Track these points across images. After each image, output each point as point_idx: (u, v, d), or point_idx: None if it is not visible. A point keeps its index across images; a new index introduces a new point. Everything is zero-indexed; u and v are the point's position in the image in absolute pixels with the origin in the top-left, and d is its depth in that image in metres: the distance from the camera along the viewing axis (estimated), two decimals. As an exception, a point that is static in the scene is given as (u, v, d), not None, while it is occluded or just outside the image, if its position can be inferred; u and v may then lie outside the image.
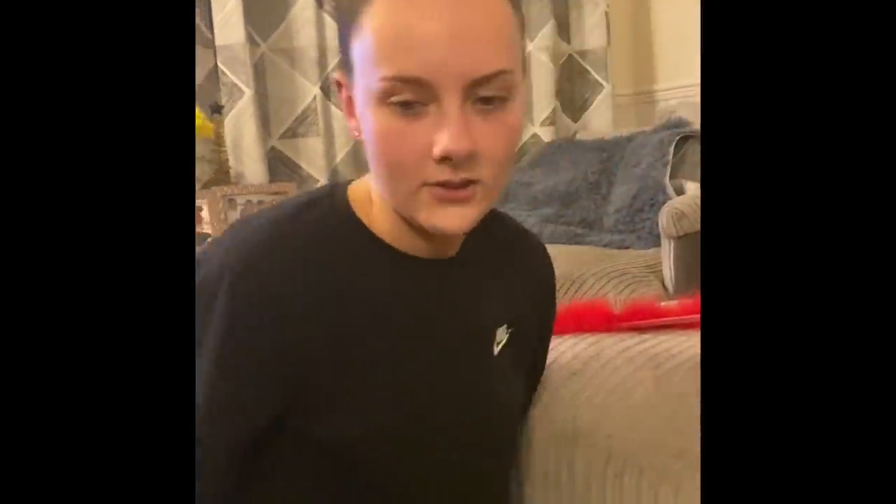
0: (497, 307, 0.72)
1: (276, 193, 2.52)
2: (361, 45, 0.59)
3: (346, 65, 0.63)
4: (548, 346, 0.86)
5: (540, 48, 2.89)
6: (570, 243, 2.07)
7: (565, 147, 2.59)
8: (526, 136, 3.03)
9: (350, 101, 0.64)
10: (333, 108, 2.75)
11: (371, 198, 0.66)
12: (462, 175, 0.58)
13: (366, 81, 0.59)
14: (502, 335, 0.72)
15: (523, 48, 0.63)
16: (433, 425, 0.68)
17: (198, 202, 2.21)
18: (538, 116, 2.97)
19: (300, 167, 2.76)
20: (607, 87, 2.98)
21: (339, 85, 0.66)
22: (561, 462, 0.93)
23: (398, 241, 0.65)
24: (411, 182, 0.59)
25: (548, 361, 1.03)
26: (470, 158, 0.58)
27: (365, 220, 0.66)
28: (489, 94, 0.58)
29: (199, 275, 0.60)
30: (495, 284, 0.72)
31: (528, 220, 2.31)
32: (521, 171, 2.53)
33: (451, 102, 0.57)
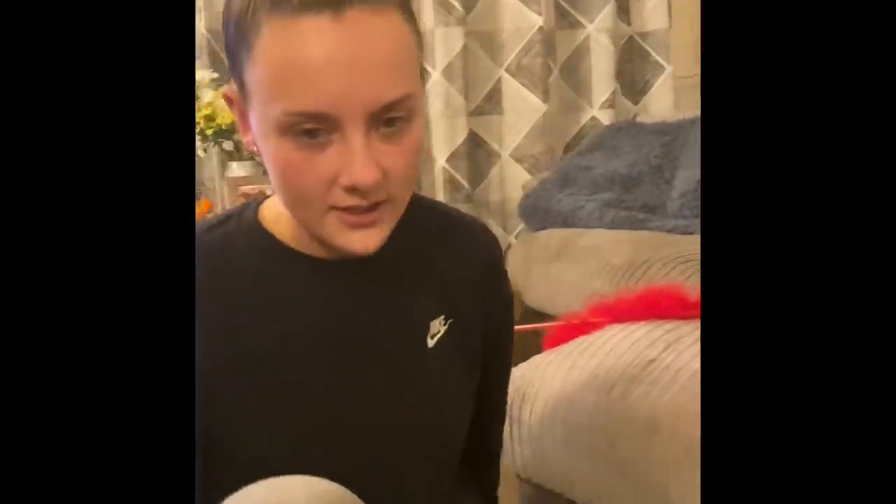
0: (428, 299, 0.70)
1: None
2: (256, 75, 0.57)
3: (238, 84, 0.60)
4: (510, 327, 0.82)
5: (600, 30, 2.85)
6: (633, 228, 2.04)
7: (626, 130, 2.55)
8: (584, 119, 3.00)
9: (244, 117, 0.62)
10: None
11: (280, 207, 0.65)
12: (370, 199, 0.58)
13: (264, 111, 0.57)
14: (438, 327, 0.70)
15: (421, 63, 0.61)
16: (358, 429, 0.66)
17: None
18: (597, 99, 2.93)
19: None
20: (668, 69, 2.93)
21: (229, 99, 0.64)
22: (638, 450, 0.93)
23: (307, 247, 0.64)
24: (317, 208, 0.58)
25: (624, 348, 1.02)
26: (377, 186, 0.57)
27: (274, 231, 0.65)
28: (392, 117, 0.57)
29: None
30: (423, 276, 0.70)
31: (588, 204, 2.28)
32: (581, 155, 2.50)
33: (355, 133, 0.55)
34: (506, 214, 3.01)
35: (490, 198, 3.00)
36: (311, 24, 0.54)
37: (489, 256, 0.76)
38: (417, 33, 0.60)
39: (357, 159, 0.55)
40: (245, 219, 0.66)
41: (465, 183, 2.89)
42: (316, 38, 0.54)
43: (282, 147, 0.56)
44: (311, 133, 0.55)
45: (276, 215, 0.66)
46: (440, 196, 2.89)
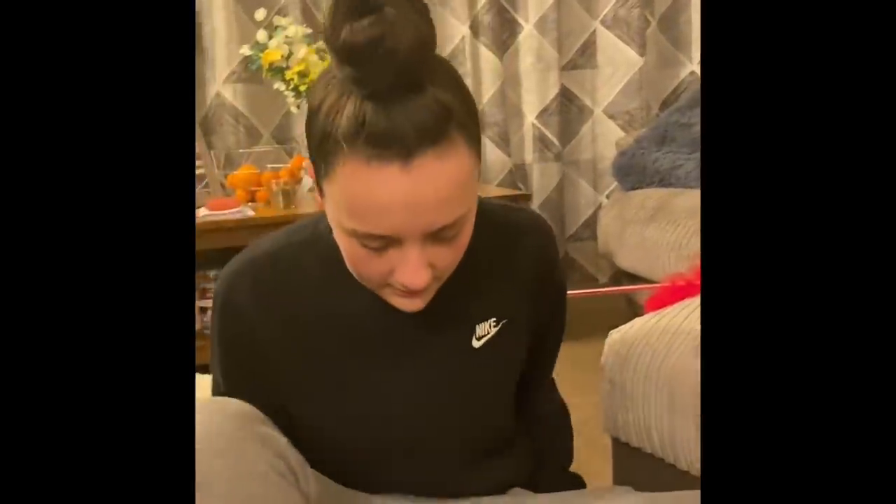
0: (477, 304, 0.77)
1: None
2: (332, 191, 0.64)
3: (314, 166, 0.66)
4: (562, 313, 0.88)
5: (700, -20, 2.70)
6: (736, 189, 1.93)
7: (730, 85, 2.40)
8: (683, 74, 2.86)
9: (320, 188, 0.67)
10: (482, 48, 2.69)
11: None
12: (420, 288, 0.66)
13: (337, 216, 0.65)
14: (487, 329, 0.78)
15: (479, 170, 0.67)
16: (402, 415, 0.76)
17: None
18: (697, 54, 2.79)
19: (448, 109, 2.73)
20: (776, 20, 2.75)
21: (308, 170, 0.71)
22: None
23: None
24: (375, 286, 0.69)
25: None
26: (426, 287, 0.66)
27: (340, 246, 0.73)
28: (447, 234, 0.65)
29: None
30: (473, 283, 0.76)
31: (688, 163, 2.19)
32: (680, 112, 2.39)
33: (412, 247, 0.64)
34: (597, 173, 2.93)
35: (581, 156, 2.92)
36: (381, 172, 0.60)
37: (543, 254, 0.81)
38: (478, 154, 0.65)
39: (410, 267, 0.64)
40: (319, 230, 0.75)
41: (555, 140, 2.82)
42: (384, 184, 0.60)
43: (348, 243, 0.66)
44: (374, 246, 0.64)
45: None
46: (528, 154, 2.83)
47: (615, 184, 2.88)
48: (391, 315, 0.73)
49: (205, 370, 0.88)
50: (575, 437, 0.98)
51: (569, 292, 1.25)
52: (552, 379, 0.96)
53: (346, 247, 0.67)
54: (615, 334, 1.16)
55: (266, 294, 0.73)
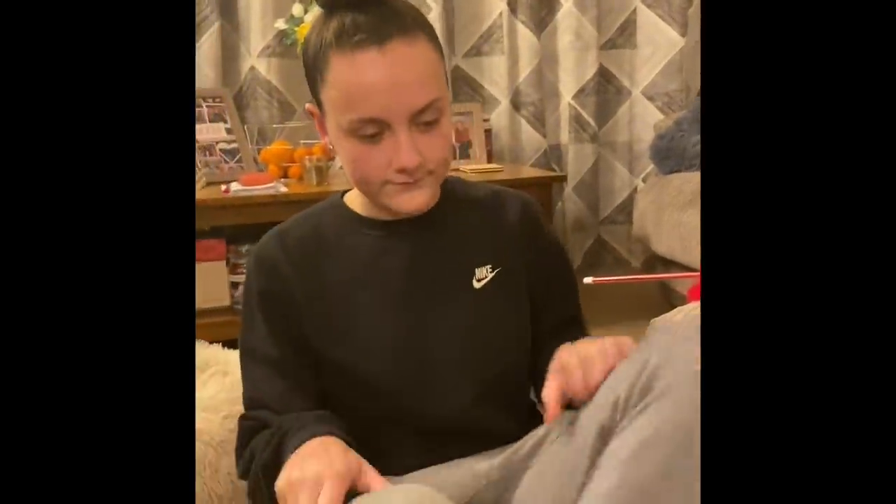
0: (474, 251, 0.90)
1: (460, 114, 2.48)
2: (328, 95, 0.80)
3: (316, 102, 0.84)
4: (562, 267, 0.98)
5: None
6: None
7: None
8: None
9: (322, 126, 0.86)
10: (520, 26, 2.64)
11: (357, 192, 0.90)
12: (415, 177, 0.81)
13: (335, 120, 0.80)
14: (485, 273, 0.90)
15: (446, 73, 0.88)
16: (418, 345, 0.86)
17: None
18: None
19: (483, 87, 2.70)
20: None
21: (311, 113, 0.88)
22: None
23: (374, 213, 0.89)
24: (377, 184, 0.82)
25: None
26: (419, 167, 0.79)
27: (351, 206, 0.91)
28: (427, 118, 0.79)
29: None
30: (470, 234, 0.91)
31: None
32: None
33: (401, 130, 0.78)
34: (633, 155, 2.87)
35: (617, 137, 2.86)
36: (363, 57, 0.77)
37: (527, 216, 0.94)
38: (441, 53, 0.83)
39: (403, 149, 0.78)
40: (333, 201, 0.94)
41: (591, 121, 2.76)
42: (367, 66, 0.76)
43: (349, 145, 0.80)
44: (369, 132, 0.78)
45: (353, 196, 0.93)
46: (564, 134, 2.78)
47: (651, 167, 2.83)
48: (399, 255, 0.88)
49: (235, 345, 0.93)
50: None
51: (607, 279, 1.22)
52: (583, 326, 1.00)
53: (348, 151, 0.80)
54: (657, 325, 1.13)
55: (292, 247, 0.88)
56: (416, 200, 0.83)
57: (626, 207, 2.86)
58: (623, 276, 1.26)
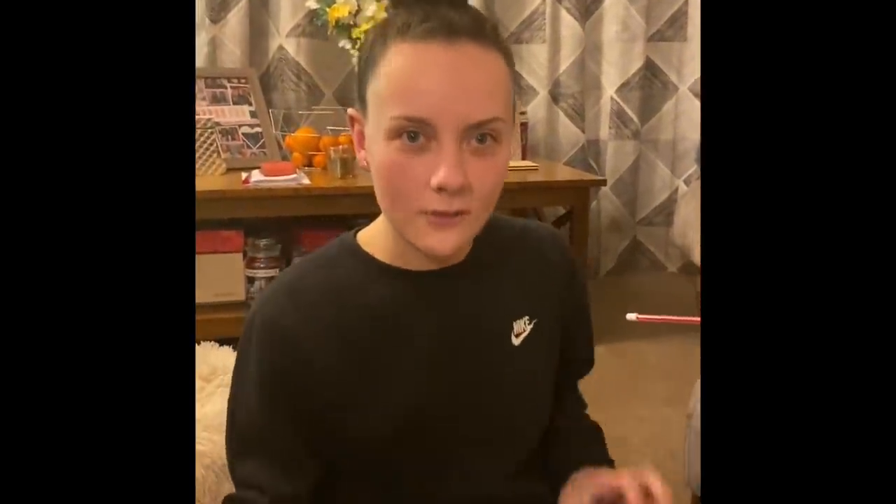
0: (512, 302, 0.80)
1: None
2: (376, 88, 0.68)
3: (361, 103, 0.72)
4: (588, 312, 0.89)
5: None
6: None
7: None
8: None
9: (361, 136, 0.73)
10: (564, 13, 2.50)
11: (376, 232, 0.77)
12: (454, 206, 0.67)
13: (378, 119, 0.68)
14: (523, 326, 0.80)
15: (514, 101, 0.72)
16: (449, 415, 0.76)
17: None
18: (800, 31, 2.55)
19: (521, 76, 2.56)
20: None
21: (352, 120, 0.75)
22: None
23: (399, 261, 0.75)
24: (410, 208, 0.68)
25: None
26: (462, 191, 0.67)
27: (370, 251, 0.77)
28: (483, 135, 0.67)
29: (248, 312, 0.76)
30: (507, 282, 0.80)
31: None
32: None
33: (449, 141, 0.66)
34: (676, 154, 2.72)
35: (660, 135, 2.72)
36: (427, 48, 0.66)
37: (564, 257, 0.85)
38: (514, 75, 0.72)
39: (447, 163, 0.66)
40: (346, 245, 0.78)
41: (633, 116, 2.62)
42: (428, 57, 0.66)
43: (388, 149, 0.67)
44: (412, 136, 0.66)
45: (370, 238, 0.78)
46: (604, 129, 2.65)
47: (694, 168, 2.69)
48: (429, 312, 0.76)
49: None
50: (637, 458, 0.87)
51: (652, 318, 1.11)
52: (579, 399, 0.93)
53: (384, 158, 0.68)
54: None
55: (308, 310, 0.74)
56: (448, 243, 0.69)
57: (666, 209, 2.73)
58: (669, 317, 1.15)
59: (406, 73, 0.65)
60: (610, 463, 0.84)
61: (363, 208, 2.08)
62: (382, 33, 0.68)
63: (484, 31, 0.67)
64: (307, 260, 0.79)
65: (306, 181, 1.89)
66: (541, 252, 0.83)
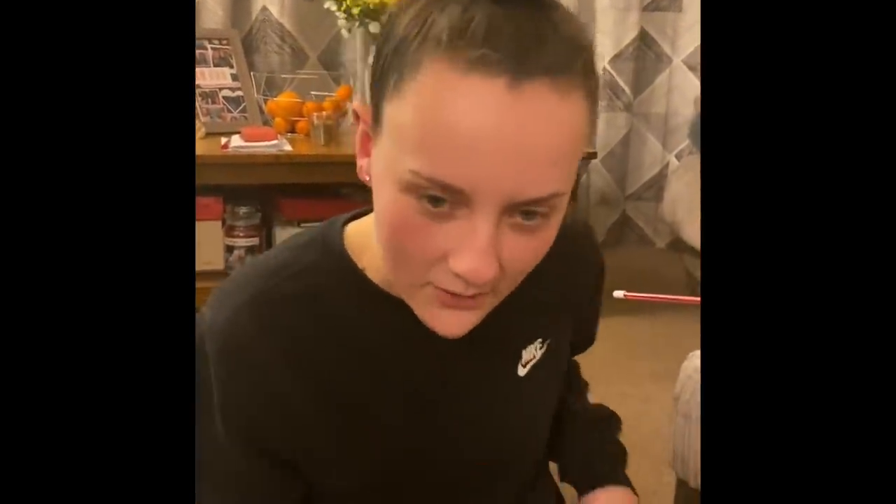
0: (523, 326, 0.67)
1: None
2: (397, 114, 0.49)
3: (374, 105, 0.52)
4: (596, 308, 0.78)
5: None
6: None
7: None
8: None
9: (366, 139, 0.55)
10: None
11: (370, 240, 0.59)
12: (472, 290, 0.51)
13: (393, 157, 0.49)
14: (533, 352, 0.67)
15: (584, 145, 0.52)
16: (445, 459, 0.66)
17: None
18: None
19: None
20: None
21: (356, 115, 0.56)
22: None
23: (395, 287, 0.59)
24: (416, 277, 0.53)
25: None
26: (489, 283, 0.51)
27: (360, 263, 0.61)
28: (532, 214, 0.50)
29: (198, 329, 0.59)
30: (522, 303, 0.62)
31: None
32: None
33: (485, 220, 0.48)
34: (668, 129, 2.67)
35: (652, 108, 2.66)
36: (481, 87, 0.46)
37: (594, 264, 0.73)
38: (594, 114, 0.51)
39: (476, 250, 0.49)
40: (330, 249, 0.61)
41: (626, 89, 2.56)
42: (482, 105, 0.46)
43: (399, 202, 0.50)
44: (435, 200, 0.48)
45: (361, 246, 0.61)
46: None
47: (686, 143, 2.64)
48: (429, 347, 0.60)
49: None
50: (622, 437, 0.83)
51: (640, 295, 1.07)
52: (579, 379, 0.85)
53: (395, 209, 0.50)
54: (695, 358, 0.97)
55: (281, 330, 0.59)
56: (459, 328, 0.54)
57: (656, 184, 2.69)
58: (656, 296, 1.11)
59: (442, 117, 0.46)
60: (618, 449, 0.77)
61: (347, 177, 2.03)
62: (419, 27, 0.48)
63: (573, 64, 0.47)
64: (279, 261, 0.61)
65: (288, 148, 1.83)
66: (568, 259, 0.66)
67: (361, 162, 0.56)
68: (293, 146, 1.86)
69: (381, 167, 0.51)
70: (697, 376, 0.93)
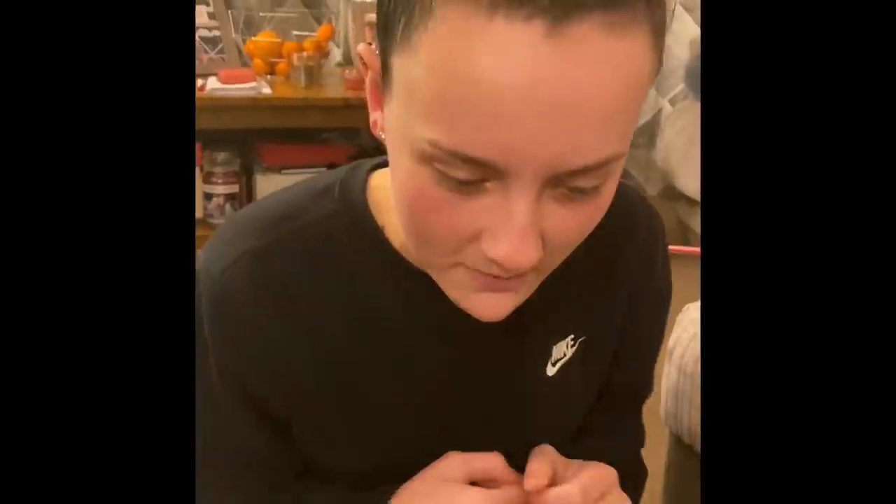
0: (558, 318, 0.58)
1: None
2: (407, 70, 0.40)
3: (381, 55, 0.43)
4: (656, 328, 0.66)
5: None
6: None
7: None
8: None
9: (376, 90, 0.46)
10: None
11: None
12: (512, 272, 0.43)
13: (407, 122, 0.41)
14: (564, 350, 0.59)
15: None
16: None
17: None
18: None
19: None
20: None
21: (362, 60, 0.47)
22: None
23: (420, 260, 0.52)
24: (444, 259, 0.45)
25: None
26: (530, 268, 0.43)
27: (380, 223, 0.53)
28: (582, 184, 0.40)
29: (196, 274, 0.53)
30: (557, 290, 0.54)
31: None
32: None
33: (522, 195, 0.40)
34: (661, 73, 2.60)
35: (646, 51, 2.59)
36: (511, 33, 0.36)
37: (648, 251, 0.61)
38: (660, 51, 0.40)
39: (514, 232, 0.41)
40: (351, 205, 0.54)
41: (619, 30, 2.48)
42: (514, 56, 0.36)
43: (417, 174, 0.41)
44: (461, 179, 0.40)
45: (386, 203, 0.53)
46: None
47: (681, 87, 2.57)
48: (449, 332, 0.55)
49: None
50: None
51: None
52: (635, 423, 0.71)
53: (412, 182, 0.42)
54: (691, 310, 0.93)
55: (278, 296, 0.52)
56: (498, 310, 0.47)
57: (648, 131, 2.63)
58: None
59: (463, 72, 0.37)
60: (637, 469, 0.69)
61: (329, 121, 1.98)
62: None
63: None
64: (288, 208, 0.54)
65: (267, 90, 1.77)
66: (617, 239, 0.58)
67: (374, 116, 0.47)
68: (273, 89, 1.79)
69: (394, 130, 0.43)
70: (693, 329, 0.89)
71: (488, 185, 0.40)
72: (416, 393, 0.57)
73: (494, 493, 0.53)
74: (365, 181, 0.54)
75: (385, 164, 0.53)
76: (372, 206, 0.53)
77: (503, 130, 0.37)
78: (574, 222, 0.42)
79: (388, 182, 0.50)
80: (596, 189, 0.41)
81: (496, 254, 0.41)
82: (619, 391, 0.66)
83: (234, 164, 1.87)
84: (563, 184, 0.40)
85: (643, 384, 0.69)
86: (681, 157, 1.97)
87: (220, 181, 1.83)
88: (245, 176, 1.91)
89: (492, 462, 0.55)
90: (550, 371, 0.59)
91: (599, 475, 0.54)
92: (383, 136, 0.46)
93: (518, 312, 0.50)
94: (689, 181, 1.92)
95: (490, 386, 0.58)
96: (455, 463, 0.55)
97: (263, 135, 1.91)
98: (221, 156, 1.83)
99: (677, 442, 0.98)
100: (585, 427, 0.65)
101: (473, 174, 0.39)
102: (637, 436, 0.70)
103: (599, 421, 0.66)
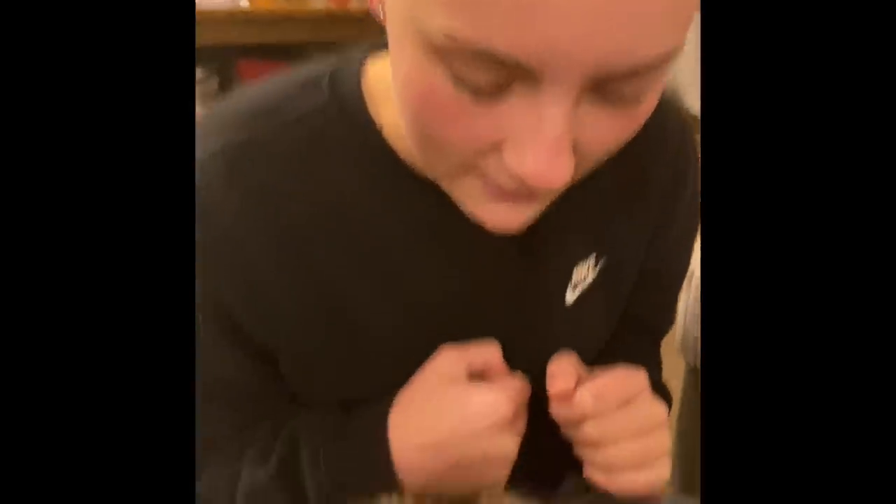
0: (576, 239, 0.54)
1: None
2: None
3: None
4: (684, 248, 0.62)
5: None
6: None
7: None
8: None
9: None
10: None
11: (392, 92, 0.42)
12: (540, 191, 0.39)
13: (415, 1, 0.32)
14: (584, 272, 0.55)
15: None
16: None
17: None
18: None
19: None
20: None
21: None
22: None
23: (423, 166, 0.46)
24: (455, 168, 0.39)
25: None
26: (561, 185, 0.37)
27: (377, 120, 0.47)
28: (627, 88, 0.34)
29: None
30: (579, 207, 0.51)
31: None
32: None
33: (557, 101, 0.33)
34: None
35: None
36: None
37: (679, 167, 0.56)
38: None
39: (545, 146, 0.34)
40: (345, 97, 0.47)
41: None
42: None
43: (427, 70, 0.34)
44: (483, 83, 0.34)
45: (383, 97, 0.47)
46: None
47: None
48: (459, 248, 0.50)
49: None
50: None
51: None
52: (655, 354, 0.67)
53: (420, 78, 0.35)
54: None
55: (255, 200, 0.47)
56: (516, 220, 0.42)
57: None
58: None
59: None
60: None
61: (313, 35, 1.86)
62: None
63: None
64: (270, 100, 0.48)
65: (245, 2, 1.67)
66: (648, 146, 0.52)
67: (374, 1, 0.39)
68: (251, 0, 1.69)
69: (398, 9, 0.35)
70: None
71: (515, 87, 0.34)
72: (415, 318, 0.51)
73: (509, 389, 0.49)
74: (359, 72, 0.48)
75: (386, 47, 0.44)
76: (368, 101, 0.47)
77: (545, 24, 0.30)
78: (610, 134, 0.37)
79: (385, 74, 0.46)
80: (637, 99, 0.35)
81: (523, 170, 0.35)
82: (639, 323, 0.62)
83: (212, 83, 1.78)
84: (603, 89, 0.34)
85: (665, 317, 0.66)
86: (690, 76, 1.87)
87: (196, 101, 1.74)
88: (222, 96, 1.82)
89: (489, 352, 0.51)
90: (570, 296, 0.54)
91: (623, 379, 0.49)
92: (381, 17, 0.38)
93: (535, 229, 0.47)
94: (699, 101, 1.85)
95: (501, 310, 0.53)
96: (453, 359, 0.50)
97: (242, 50, 1.83)
98: (197, 74, 1.73)
99: (692, 372, 0.97)
100: (601, 355, 0.60)
101: (497, 76, 0.32)
102: (658, 365, 0.66)
103: (616, 350, 0.61)
